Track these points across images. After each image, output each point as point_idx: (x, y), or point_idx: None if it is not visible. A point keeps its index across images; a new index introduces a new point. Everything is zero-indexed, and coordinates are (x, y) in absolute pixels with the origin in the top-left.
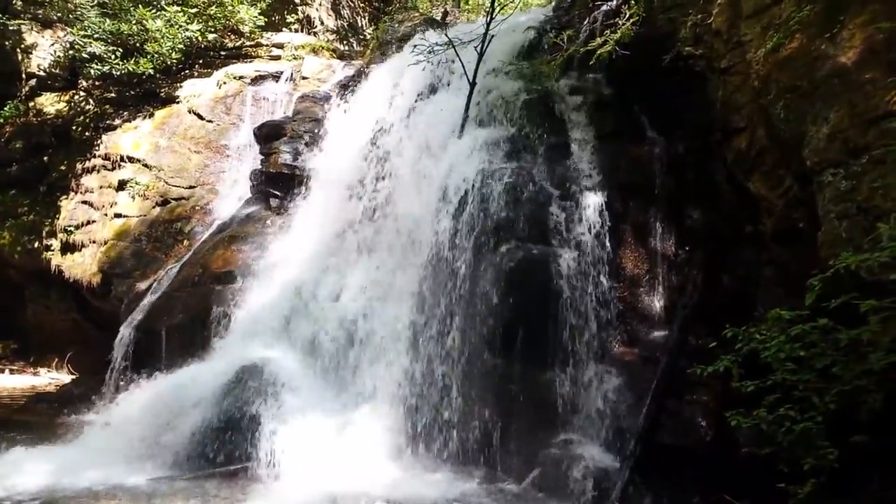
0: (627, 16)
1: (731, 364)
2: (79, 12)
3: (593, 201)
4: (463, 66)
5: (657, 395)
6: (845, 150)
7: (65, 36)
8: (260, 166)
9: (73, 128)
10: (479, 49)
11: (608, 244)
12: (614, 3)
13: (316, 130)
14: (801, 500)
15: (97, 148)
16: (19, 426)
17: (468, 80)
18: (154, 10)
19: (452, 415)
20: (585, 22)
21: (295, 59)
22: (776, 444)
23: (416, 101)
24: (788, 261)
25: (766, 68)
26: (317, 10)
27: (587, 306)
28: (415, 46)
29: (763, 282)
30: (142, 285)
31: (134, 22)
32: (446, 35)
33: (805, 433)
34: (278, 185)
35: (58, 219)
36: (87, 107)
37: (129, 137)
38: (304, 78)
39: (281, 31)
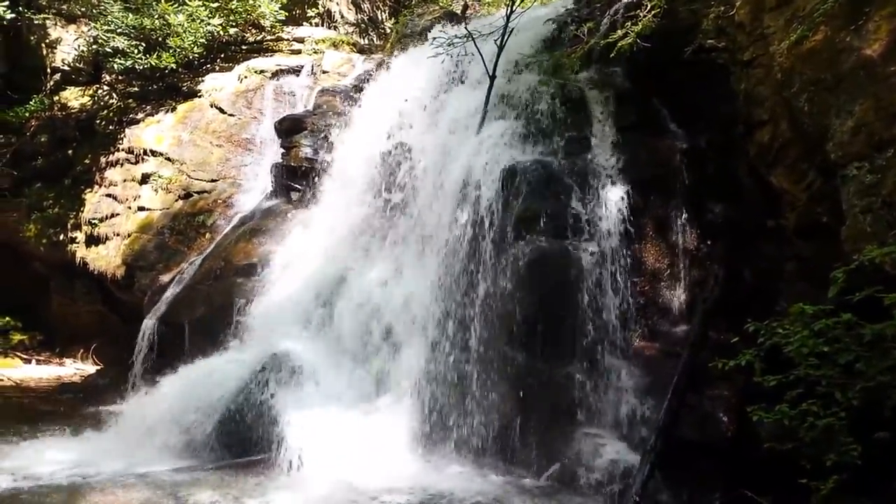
0: (649, 7)
1: (753, 358)
2: (102, 7)
3: (613, 195)
4: (483, 60)
5: (678, 389)
6: (870, 143)
7: (88, 31)
8: (281, 160)
9: (97, 122)
10: (498, 42)
11: (628, 238)
12: None
13: (336, 124)
14: (824, 497)
15: (121, 142)
16: (44, 416)
17: (488, 73)
18: (176, 5)
19: (472, 408)
20: (606, 14)
21: (315, 53)
22: (798, 439)
23: (436, 95)
24: (812, 256)
25: (789, 61)
26: (337, 4)
27: (607, 300)
28: (434, 39)
29: (786, 276)
30: (165, 278)
31: (156, 16)
32: (466, 28)
33: (828, 429)
34: (299, 179)
35: (82, 212)
36: (111, 101)
37: (152, 131)
38: (324, 72)
39: (301, 25)
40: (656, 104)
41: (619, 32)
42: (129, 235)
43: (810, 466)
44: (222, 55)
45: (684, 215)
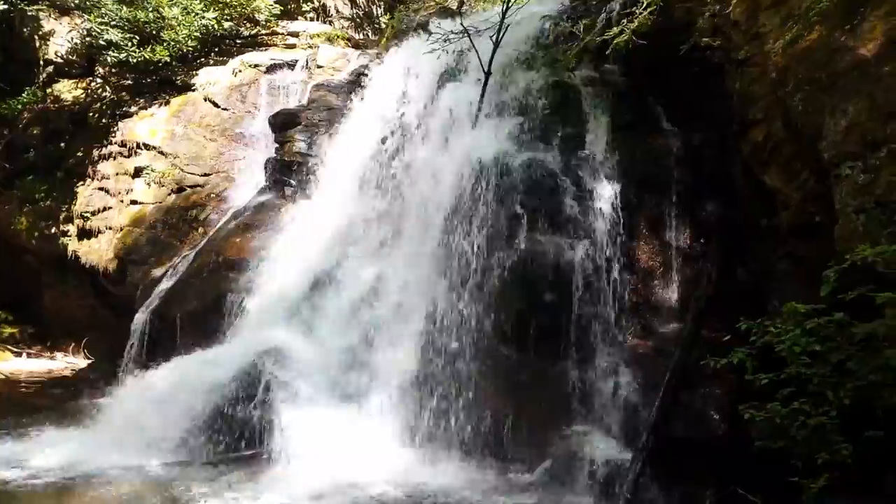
0: (645, 5)
1: (746, 357)
2: None
3: (608, 193)
4: (478, 56)
5: (670, 387)
6: (864, 143)
7: (82, 23)
8: (275, 154)
9: (90, 115)
10: (494, 38)
11: (622, 236)
12: None
13: (331, 119)
14: (814, 495)
15: (114, 135)
16: (35, 409)
17: (483, 69)
18: None
19: (464, 404)
20: (602, 11)
21: (310, 47)
22: (790, 438)
23: (431, 91)
24: (805, 254)
25: (784, 60)
26: None
27: (600, 298)
28: (430, 35)
29: (779, 275)
30: (157, 272)
31: (150, 9)
32: (462, 24)
33: (819, 428)
34: (293, 174)
35: (74, 205)
36: (104, 94)
37: (145, 125)
38: (319, 66)
39: (296, 19)
40: (651, 102)
41: (615, 30)
42: (121, 229)
43: (801, 464)
44: (217, 49)
45: (678, 213)
